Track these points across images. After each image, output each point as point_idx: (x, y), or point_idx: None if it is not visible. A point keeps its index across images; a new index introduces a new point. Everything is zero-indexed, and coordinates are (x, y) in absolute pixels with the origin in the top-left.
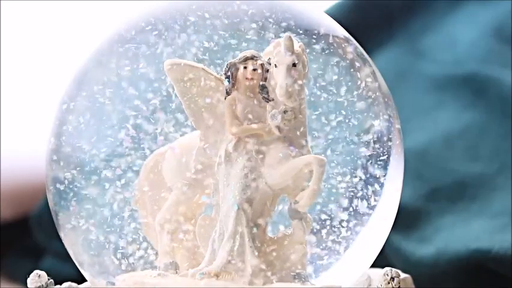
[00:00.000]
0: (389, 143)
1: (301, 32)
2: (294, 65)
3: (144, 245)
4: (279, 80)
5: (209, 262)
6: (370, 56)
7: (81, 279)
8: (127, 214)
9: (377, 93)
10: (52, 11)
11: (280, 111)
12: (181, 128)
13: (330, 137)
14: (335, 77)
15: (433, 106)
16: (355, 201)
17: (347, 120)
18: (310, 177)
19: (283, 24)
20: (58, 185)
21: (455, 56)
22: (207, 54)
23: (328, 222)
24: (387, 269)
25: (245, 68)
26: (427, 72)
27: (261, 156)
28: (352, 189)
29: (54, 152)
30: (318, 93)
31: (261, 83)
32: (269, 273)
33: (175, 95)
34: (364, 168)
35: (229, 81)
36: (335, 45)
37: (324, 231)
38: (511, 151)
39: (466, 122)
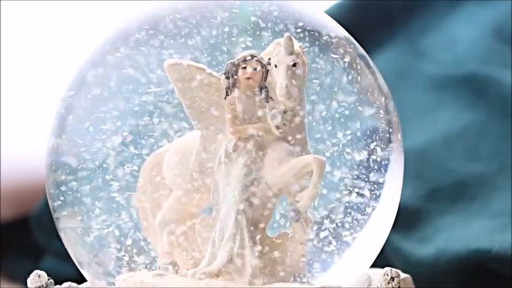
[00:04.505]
0: (390, 143)
1: (300, 32)
2: (294, 65)
3: (144, 245)
4: (279, 80)
5: (209, 262)
6: (370, 56)
7: (81, 279)
8: (127, 214)
9: (377, 93)
10: (52, 11)
11: (280, 111)
12: (182, 128)
13: (330, 136)
14: (334, 77)
15: (433, 106)
16: (355, 201)
17: (346, 119)
18: (310, 177)
19: (282, 24)
20: (58, 185)
21: (455, 56)
22: (208, 55)
23: (328, 222)
24: (387, 269)
25: (245, 68)
26: (427, 72)
27: (261, 156)
28: (352, 189)
29: (54, 152)
30: (318, 93)
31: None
32: (269, 273)
33: (176, 95)
34: (364, 167)
35: (229, 81)
36: (335, 45)
37: (324, 231)
38: (511, 151)
39: (466, 122)
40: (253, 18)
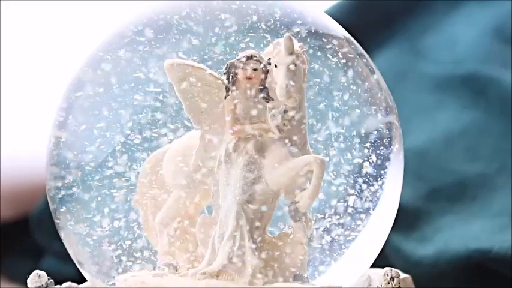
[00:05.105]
0: (389, 143)
1: (300, 31)
2: (294, 65)
3: (144, 245)
4: (279, 80)
5: (209, 262)
6: (370, 56)
7: (81, 279)
8: (127, 214)
9: (377, 93)
10: (52, 11)
11: (280, 111)
12: (182, 128)
13: (330, 136)
14: (335, 77)
15: (433, 106)
16: (355, 201)
17: (347, 120)
18: (310, 177)
19: (282, 24)
20: (58, 185)
21: (455, 56)
22: (207, 54)
23: (328, 222)
24: (387, 269)
25: (245, 68)
26: (427, 72)
27: (261, 156)
28: (352, 189)
29: (54, 152)
30: (318, 93)
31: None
32: (269, 274)
33: (176, 95)
34: (364, 168)
35: (229, 81)
36: (334, 45)
37: (324, 232)
38: (511, 151)
39: (466, 122)
40: (253, 18)
